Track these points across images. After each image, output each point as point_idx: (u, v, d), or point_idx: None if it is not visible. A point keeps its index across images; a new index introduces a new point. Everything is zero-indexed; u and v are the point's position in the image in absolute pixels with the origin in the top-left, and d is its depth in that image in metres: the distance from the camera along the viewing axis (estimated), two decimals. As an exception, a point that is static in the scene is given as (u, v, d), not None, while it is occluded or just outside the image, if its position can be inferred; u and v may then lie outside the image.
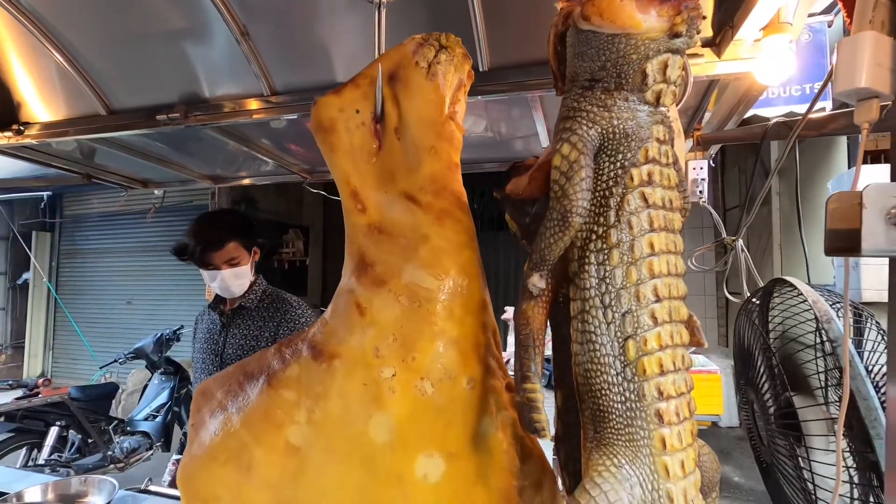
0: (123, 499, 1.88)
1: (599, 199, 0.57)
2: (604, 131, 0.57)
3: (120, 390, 5.09)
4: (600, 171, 0.57)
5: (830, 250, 0.65)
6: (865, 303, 2.88)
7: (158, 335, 4.66)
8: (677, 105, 0.66)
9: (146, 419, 4.57)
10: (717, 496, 0.67)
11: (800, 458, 0.93)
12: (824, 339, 0.84)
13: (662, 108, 0.59)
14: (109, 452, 4.22)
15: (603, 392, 0.54)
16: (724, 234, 1.60)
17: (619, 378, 0.54)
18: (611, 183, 0.56)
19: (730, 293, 1.68)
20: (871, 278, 2.96)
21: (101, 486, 1.86)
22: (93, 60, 1.77)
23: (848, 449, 0.88)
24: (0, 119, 2.04)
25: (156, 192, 6.50)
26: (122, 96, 1.87)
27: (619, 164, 0.56)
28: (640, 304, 0.54)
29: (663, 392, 0.53)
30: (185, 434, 2.16)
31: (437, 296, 0.68)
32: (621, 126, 0.56)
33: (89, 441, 4.21)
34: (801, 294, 0.90)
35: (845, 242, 0.63)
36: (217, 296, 2.01)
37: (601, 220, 0.56)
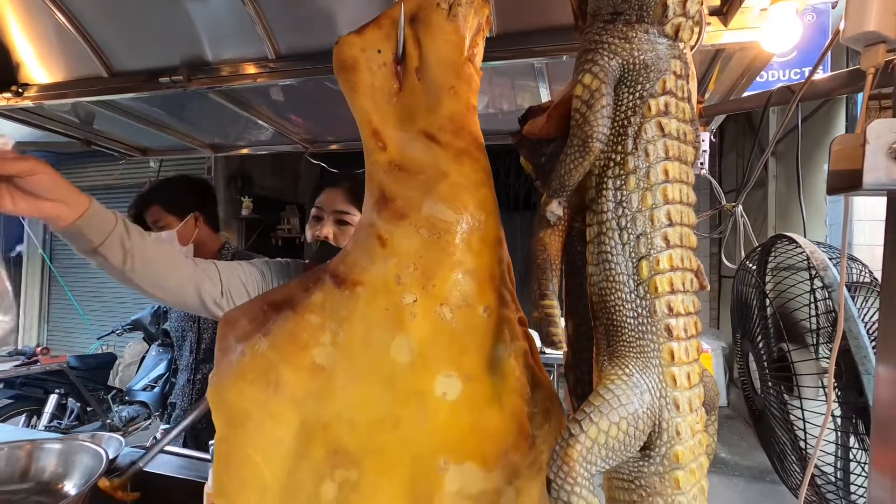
0: (129, 454, 1.92)
1: (618, 128, 0.59)
2: (624, 62, 0.59)
3: (118, 361, 5.12)
4: (619, 102, 0.60)
5: (832, 190, 0.68)
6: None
7: (156, 307, 4.67)
8: (692, 48, 0.68)
9: (144, 389, 4.61)
10: (715, 418, 0.71)
11: (788, 405, 0.97)
12: (819, 285, 0.88)
13: (680, 44, 0.61)
14: (108, 421, 4.27)
15: (616, 308, 0.58)
16: (723, 202, 1.63)
17: (633, 295, 0.58)
18: (629, 113, 0.59)
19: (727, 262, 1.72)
20: (862, 235, 3.00)
21: (109, 443, 1.90)
22: (94, 21, 1.74)
23: (836, 398, 0.93)
24: (1, 80, 2.02)
25: (151, 163, 6.44)
26: (123, 58, 1.85)
27: (637, 95, 0.59)
28: (654, 227, 0.58)
29: (673, 309, 0.57)
30: (171, 404, 2.25)
31: (456, 228, 0.71)
32: (641, 57, 0.59)
33: (88, 409, 4.25)
34: (800, 246, 0.94)
35: (847, 182, 0.66)
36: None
37: (619, 148, 0.59)
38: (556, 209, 0.62)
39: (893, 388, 0.67)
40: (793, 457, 0.99)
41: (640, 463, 0.57)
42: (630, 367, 0.56)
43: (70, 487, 0.97)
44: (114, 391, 4.58)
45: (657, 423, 0.55)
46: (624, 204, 0.58)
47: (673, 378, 0.56)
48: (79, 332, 7.33)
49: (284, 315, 0.69)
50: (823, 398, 0.95)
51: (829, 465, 0.95)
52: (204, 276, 0.99)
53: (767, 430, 1.00)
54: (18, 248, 7.77)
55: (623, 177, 0.58)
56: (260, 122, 2.18)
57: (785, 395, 0.98)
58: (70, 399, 4.16)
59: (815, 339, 0.90)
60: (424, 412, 0.66)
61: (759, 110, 1.48)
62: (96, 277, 7.55)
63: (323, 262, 0.76)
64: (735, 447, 4.70)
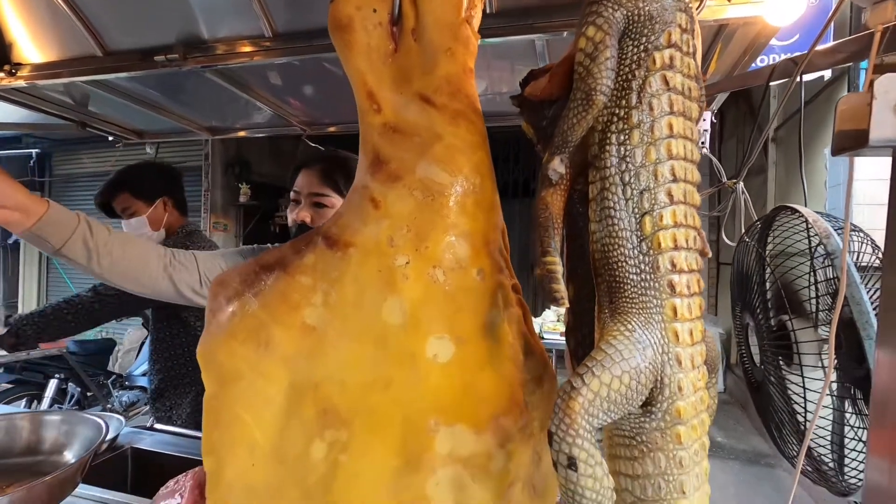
0: (129, 434, 1.94)
1: (622, 82, 0.58)
2: (629, 13, 0.58)
3: (117, 348, 5.13)
4: (623, 55, 0.58)
5: (838, 150, 0.67)
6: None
7: (154, 292, 4.66)
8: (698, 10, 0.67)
9: (143, 375, 4.61)
10: (716, 381, 0.71)
11: (785, 376, 0.97)
12: (822, 253, 0.87)
13: (685, -2, 0.60)
14: (108, 405, 4.28)
15: (619, 264, 0.57)
16: (724, 179, 1.62)
17: (636, 251, 0.57)
18: (633, 66, 0.57)
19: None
20: (861, 216, 3.00)
21: (109, 421, 1.91)
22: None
23: (836, 367, 0.93)
24: (-7, 58, 1.98)
25: (148, 149, 6.41)
26: (118, 37, 1.81)
27: (642, 48, 0.57)
28: (658, 183, 0.56)
29: (676, 265, 0.56)
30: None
31: (450, 191, 0.70)
32: (646, 8, 0.57)
33: (88, 394, 4.26)
34: (802, 216, 0.93)
35: (852, 141, 0.65)
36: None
37: (623, 102, 0.58)
38: (557, 166, 0.61)
39: (892, 370, 0.66)
40: (790, 427, 0.99)
41: (642, 419, 0.56)
42: (632, 322, 0.55)
43: (71, 457, 0.97)
44: (113, 376, 4.59)
45: (659, 378, 0.55)
46: (627, 159, 0.57)
47: (675, 334, 0.55)
48: (77, 319, 7.31)
49: (276, 276, 0.68)
50: (822, 368, 0.95)
51: (825, 438, 0.96)
52: (179, 266, 1.01)
53: (765, 400, 1.00)
54: (15, 235, 7.73)
55: (627, 131, 0.57)
56: (258, 103, 2.14)
57: (783, 366, 0.98)
58: (70, 384, 4.17)
59: (814, 307, 0.90)
60: (416, 373, 0.65)
61: (759, 95, 1.46)
62: (94, 265, 7.51)
63: None
64: (731, 431, 4.75)
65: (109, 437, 1.82)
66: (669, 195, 0.56)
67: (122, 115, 2.55)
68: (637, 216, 0.57)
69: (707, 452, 0.59)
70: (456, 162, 0.71)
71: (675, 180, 0.57)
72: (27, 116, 2.69)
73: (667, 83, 0.57)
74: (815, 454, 0.96)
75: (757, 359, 1.09)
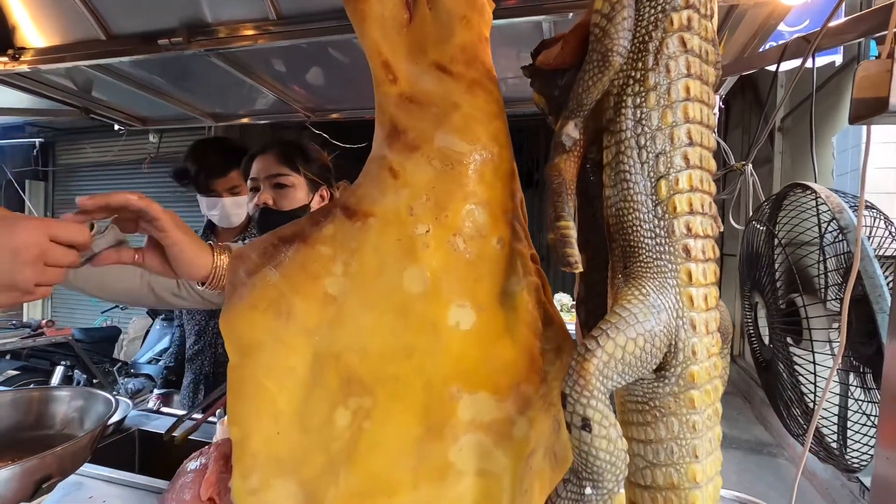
0: (136, 417, 1.95)
1: (638, 43, 0.58)
2: (646, -26, 0.57)
3: (122, 336, 5.16)
4: (640, 16, 0.57)
5: (855, 119, 0.67)
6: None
7: (158, 281, 4.68)
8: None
9: (149, 362, 4.65)
10: (727, 351, 0.71)
11: (793, 353, 0.97)
12: (835, 229, 0.87)
13: (703, -43, 0.59)
14: (114, 392, 4.31)
15: (634, 228, 0.57)
16: (731, 161, 1.61)
17: (651, 216, 0.56)
18: (650, 28, 0.57)
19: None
20: (869, 185, 2.98)
21: (120, 407, 1.94)
22: (92, -21, 1.70)
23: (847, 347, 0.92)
24: (-4, 41, 1.98)
25: (151, 138, 6.41)
26: (121, 20, 1.80)
27: (659, 8, 0.57)
28: (674, 146, 0.56)
29: (691, 229, 0.56)
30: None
31: (469, 159, 0.70)
32: (663, -31, 0.57)
33: (94, 381, 4.29)
34: (814, 192, 0.93)
35: (871, 109, 0.65)
36: (206, 229, 2.02)
37: (639, 64, 0.57)
38: (571, 131, 0.61)
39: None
40: (798, 406, 0.99)
41: (655, 384, 0.56)
42: (647, 286, 0.55)
43: (81, 431, 0.98)
44: (119, 364, 4.63)
45: (673, 342, 0.55)
46: (643, 122, 0.57)
47: (690, 298, 0.55)
48: (82, 307, 7.37)
49: (295, 247, 0.69)
50: (829, 343, 0.95)
51: (833, 414, 0.96)
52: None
53: (773, 379, 1.00)
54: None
55: (643, 94, 0.57)
56: (262, 89, 2.13)
57: (791, 344, 0.98)
58: (76, 371, 4.20)
59: (824, 283, 0.89)
60: (438, 341, 0.66)
61: (765, 85, 1.44)
62: (98, 254, 7.54)
63: (268, 230, 0.74)
64: (734, 421, 4.77)
65: (117, 418, 1.84)
66: (686, 159, 0.56)
67: (126, 101, 2.54)
68: (653, 180, 0.56)
69: (720, 419, 0.59)
70: (473, 131, 0.71)
71: (691, 144, 0.56)
72: (31, 103, 2.69)
73: (684, 45, 0.56)
74: (821, 432, 0.96)
75: (766, 338, 1.09)
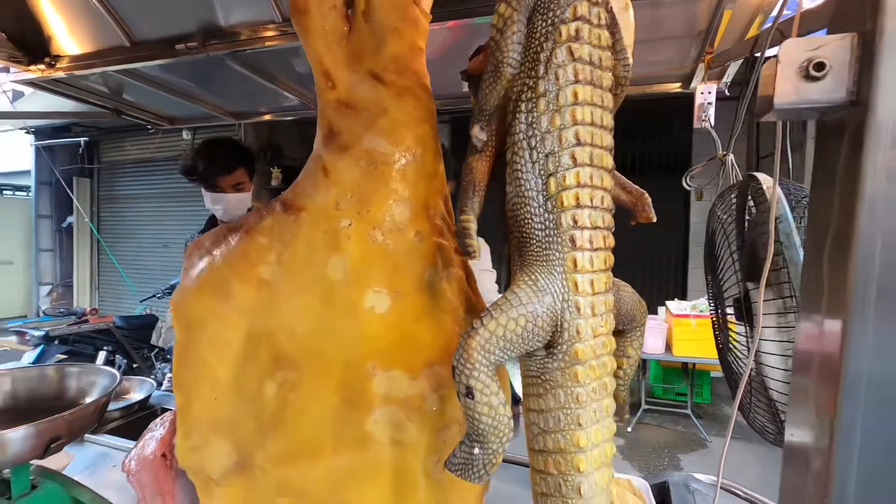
0: (160, 396, 2.14)
1: (532, 54, 0.63)
2: (537, -10, 0.62)
3: (160, 324, 5.48)
4: (534, 29, 0.63)
5: (757, 115, 0.70)
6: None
7: (192, 272, 4.95)
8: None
9: (184, 348, 4.91)
10: (640, 334, 0.76)
11: (733, 336, 1.01)
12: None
13: (595, -28, 0.64)
14: (152, 377, 4.61)
15: (526, 221, 0.63)
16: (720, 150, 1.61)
17: (541, 210, 0.62)
18: (542, 39, 0.62)
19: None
20: None
21: (141, 385, 2.12)
22: (115, -11, 1.84)
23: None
24: (34, 52, 2.16)
25: (184, 135, 6.71)
26: (143, 27, 1.95)
27: (550, 22, 0.62)
28: (562, 147, 0.61)
29: (578, 221, 0.61)
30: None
31: (392, 160, 0.77)
32: (553, -15, 0.62)
33: (134, 366, 4.60)
34: (759, 182, 0.95)
35: (764, 108, 0.68)
36: (209, 222, 2.15)
37: (532, 73, 0.63)
38: (478, 133, 0.67)
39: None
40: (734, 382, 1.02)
41: (546, 360, 0.62)
42: (536, 273, 0.61)
43: (89, 400, 1.11)
44: (157, 349, 4.93)
45: (559, 323, 0.61)
46: (534, 125, 0.62)
47: (575, 284, 0.61)
48: (126, 297, 7.84)
49: (239, 237, 0.77)
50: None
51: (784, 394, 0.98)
52: None
53: (724, 363, 1.04)
54: (69, 220, 8.30)
55: (534, 100, 0.62)
56: (279, 89, 2.24)
57: (730, 328, 1.01)
58: (118, 356, 4.51)
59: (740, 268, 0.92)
60: (355, 323, 0.73)
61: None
62: (138, 247, 8.02)
63: None
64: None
65: (141, 397, 2.02)
66: (573, 158, 0.61)
67: (154, 102, 2.72)
68: (543, 178, 0.62)
69: (609, 392, 0.64)
70: (399, 134, 0.77)
71: (579, 144, 0.62)
72: (70, 106, 2.91)
73: (572, 54, 0.61)
74: (777, 409, 0.99)
75: (720, 322, 1.12)
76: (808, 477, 0.65)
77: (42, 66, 2.19)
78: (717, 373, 5.54)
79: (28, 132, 8.10)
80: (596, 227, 0.62)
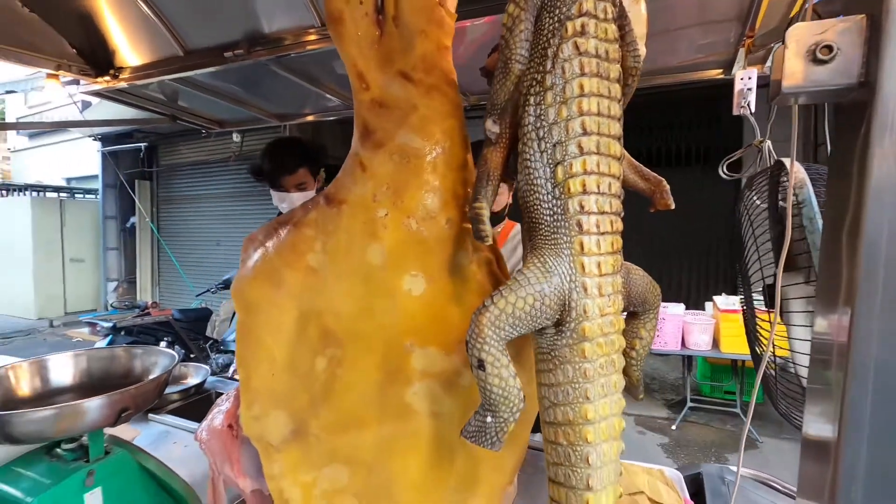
0: (214, 381, 2.31)
1: (540, 50, 0.67)
2: (545, -11, 0.66)
3: (213, 317, 5.82)
4: (542, 26, 0.67)
5: (770, 99, 0.71)
6: None
7: (243, 267, 5.24)
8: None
9: (235, 341, 5.21)
10: (655, 316, 0.79)
11: (758, 326, 1.00)
12: (795, 203, 0.89)
13: (602, -33, 0.67)
14: (206, 365, 4.92)
15: (535, 207, 0.67)
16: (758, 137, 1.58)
17: (549, 196, 0.66)
18: (549, 35, 0.66)
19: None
20: None
21: (197, 371, 2.29)
22: (169, 4, 2.00)
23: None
24: (100, 64, 2.37)
25: (234, 137, 7.03)
26: (195, 38, 2.10)
27: (556, 18, 0.66)
28: (569, 136, 0.65)
29: (584, 207, 0.65)
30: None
31: (423, 153, 0.83)
32: (560, -17, 0.65)
33: (191, 356, 4.91)
34: (786, 168, 0.94)
35: (775, 91, 0.69)
36: None
37: (540, 68, 0.67)
38: (491, 126, 0.72)
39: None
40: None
41: (555, 337, 0.67)
42: (544, 256, 0.65)
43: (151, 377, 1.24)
44: (211, 341, 5.24)
45: (567, 302, 0.65)
46: (542, 117, 0.66)
47: (582, 266, 0.65)
48: (183, 292, 8.35)
49: (288, 229, 0.86)
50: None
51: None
52: None
53: (753, 351, 1.04)
54: (132, 220, 8.91)
55: (542, 93, 0.66)
56: (321, 91, 2.35)
57: (756, 315, 1.01)
58: (176, 346, 4.84)
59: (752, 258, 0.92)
60: (393, 304, 0.81)
61: None
62: (194, 245, 8.50)
63: None
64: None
65: (197, 381, 2.18)
66: (580, 147, 0.65)
67: (206, 107, 2.91)
68: (551, 166, 0.66)
69: (618, 369, 0.68)
70: (428, 129, 0.84)
71: (585, 133, 0.65)
72: (131, 114, 3.15)
73: (578, 48, 0.65)
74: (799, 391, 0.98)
75: (748, 310, 1.12)
76: (821, 464, 0.66)
77: (107, 78, 2.40)
78: (771, 371, 5.31)
79: (95, 139, 8.75)
80: (603, 213, 0.66)
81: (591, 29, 0.66)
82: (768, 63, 2.02)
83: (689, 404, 4.54)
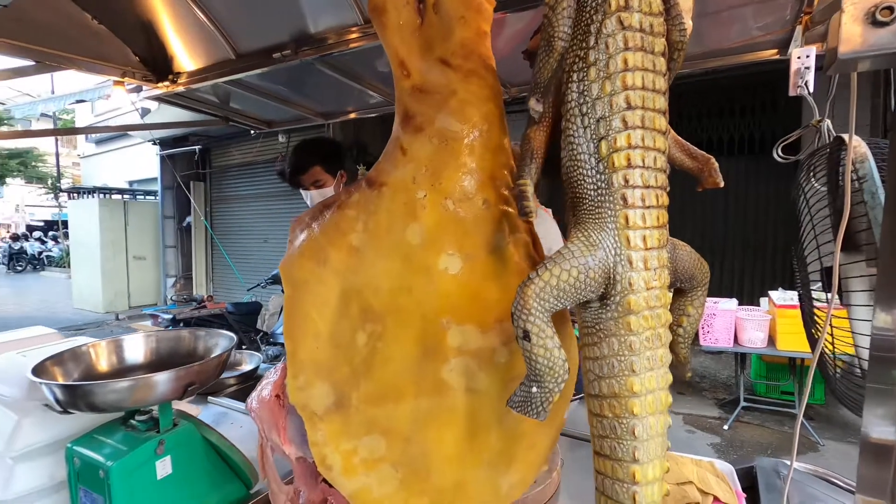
0: (265, 368, 2.43)
1: (583, 27, 0.67)
2: (587, -35, 0.66)
3: (263, 310, 6.07)
4: (584, 3, 0.67)
5: (825, 68, 0.69)
6: None
7: (290, 263, 5.47)
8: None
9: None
10: (703, 293, 0.77)
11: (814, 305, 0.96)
12: (854, 178, 0.85)
13: (646, -60, 0.66)
14: (259, 353, 5.16)
15: (579, 182, 0.68)
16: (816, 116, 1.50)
17: (593, 171, 0.67)
18: (593, 12, 0.67)
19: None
20: None
21: (251, 358, 2.41)
22: (222, 9, 2.11)
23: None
24: (160, 70, 2.53)
25: (280, 138, 7.29)
26: (245, 41, 2.21)
27: (599, -6, 0.66)
28: (613, 111, 0.65)
29: (629, 181, 0.65)
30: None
31: (462, 136, 0.85)
32: (602, -42, 0.66)
33: (243, 346, 5.16)
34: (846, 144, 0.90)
35: (830, 59, 0.66)
36: None
37: (583, 44, 0.67)
38: (534, 105, 0.73)
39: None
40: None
41: (600, 310, 0.67)
42: (588, 230, 0.66)
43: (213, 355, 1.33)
44: (261, 333, 5.48)
45: (612, 276, 0.65)
46: (585, 93, 0.67)
47: (627, 239, 0.65)
48: (235, 287, 8.75)
49: (332, 211, 0.89)
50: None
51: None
52: None
53: (810, 335, 1.00)
54: (188, 219, 9.41)
55: (585, 69, 0.67)
56: (363, 88, 2.42)
57: (813, 295, 0.97)
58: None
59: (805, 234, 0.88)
60: (431, 282, 0.83)
61: None
62: (244, 241, 8.88)
63: None
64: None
65: (250, 368, 2.30)
66: (624, 121, 0.65)
67: (255, 108, 3.04)
68: (595, 142, 0.67)
69: (664, 343, 0.67)
70: (466, 113, 0.85)
71: (630, 108, 0.65)
72: (187, 117, 3.33)
73: (622, 23, 0.65)
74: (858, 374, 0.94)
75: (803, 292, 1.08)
76: (882, 468, 0.64)
77: (167, 83, 2.55)
78: (828, 353, 4.99)
79: (154, 143, 9.28)
80: (648, 186, 0.66)
81: (635, 3, 0.65)
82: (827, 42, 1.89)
83: (743, 404, 4.36)
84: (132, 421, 1.15)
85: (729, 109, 5.84)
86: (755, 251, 5.99)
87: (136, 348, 1.33)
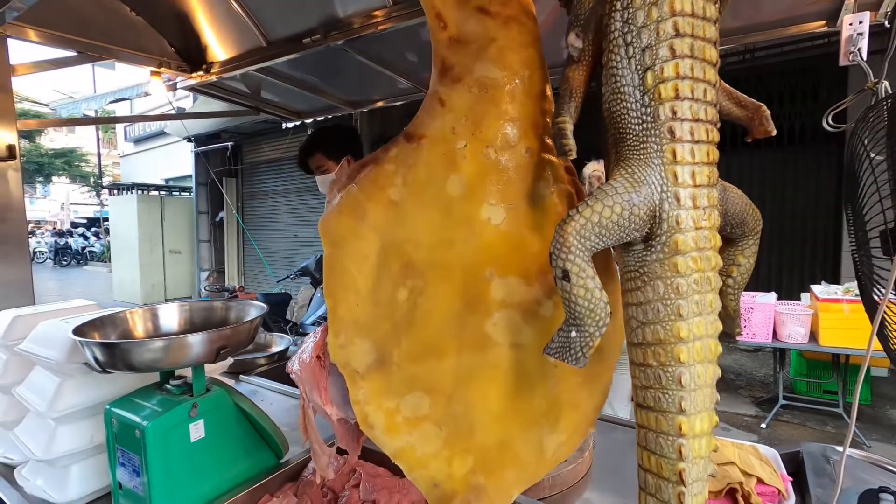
0: (294, 349, 2.46)
1: (627, -47, 0.64)
2: None
3: (292, 302, 6.17)
4: (629, -72, 0.64)
5: (890, 19, 0.63)
6: None
7: (319, 256, 5.55)
8: None
9: (313, 324, 5.52)
10: (754, 242, 0.73)
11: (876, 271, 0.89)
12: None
13: None
14: (289, 336, 5.26)
15: (622, 116, 0.64)
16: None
17: (638, 104, 0.63)
18: (637, -64, 0.63)
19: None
20: None
21: (281, 340, 2.46)
22: (253, -2, 2.13)
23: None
24: (195, 60, 2.59)
25: (309, 132, 7.39)
26: (276, 28, 2.24)
27: (645, -83, 0.63)
28: (660, 39, 0.62)
29: (677, 112, 0.61)
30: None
31: (502, 84, 0.82)
32: None
33: (272, 332, 5.26)
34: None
35: None
36: None
37: (628, -29, 0.64)
38: (574, 41, 0.69)
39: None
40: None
41: (644, 252, 0.64)
42: (632, 166, 0.62)
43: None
44: (290, 324, 5.57)
45: (657, 214, 0.62)
46: (629, 21, 0.63)
47: (675, 175, 0.61)
48: (265, 280, 8.94)
49: (370, 167, 0.88)
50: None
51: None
52: None
53: (865, 295, 0.93)
54: (221, 214, 9.66)
55: (630, -3, 0.63)
56: (392, 73, 2.41)
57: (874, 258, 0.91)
58: (259, 327, 5.20)
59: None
60: (472, 233, 0.81)
61: None
62: (274, 236, 9.06)
63: None
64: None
65: (280, 348, 2.34)
66: (671, 49, 0.62)
67: (286, 98, 3.08)
68: (640, 72, 0.63)
69: (714, 288, 0.63)
70: (506, 59, 0.83)
71: (678, 35, 0.62)
72: (220, 106, 3.40)
73: (670, -54, 0.61)
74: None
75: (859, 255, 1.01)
76: None
77: (201, 73, 2.61)
78: (880, 370, 4.73)
79: (189, 140, 9.56)
80: (697, 120, 0.62)
81: (684, -76, 0.62)
82: (884, 9, 1.81)
83: (782, 402, 4.17)
84: (167, 385, 1.17)
85: (767, 97, 5.61)
86: (795, 246, 5.74)
87: (171, 316, 1.36)
